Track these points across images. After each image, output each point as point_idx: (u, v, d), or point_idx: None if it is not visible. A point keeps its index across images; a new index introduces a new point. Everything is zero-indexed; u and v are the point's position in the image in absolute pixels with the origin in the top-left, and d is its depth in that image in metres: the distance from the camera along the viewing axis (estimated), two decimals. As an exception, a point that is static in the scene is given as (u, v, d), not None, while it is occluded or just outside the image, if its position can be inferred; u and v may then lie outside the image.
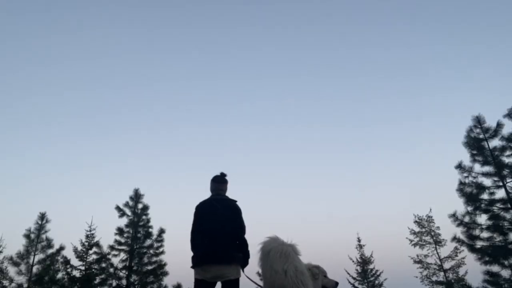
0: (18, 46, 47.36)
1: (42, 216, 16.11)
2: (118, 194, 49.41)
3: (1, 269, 14.61)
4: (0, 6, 42.85)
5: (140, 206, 17.17)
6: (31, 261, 14.90)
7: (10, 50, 46.61)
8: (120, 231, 16.37)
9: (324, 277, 3.84)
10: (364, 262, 19.53)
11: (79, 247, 15.43)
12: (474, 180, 13.44)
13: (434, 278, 17.95)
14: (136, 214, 16.91)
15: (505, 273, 12.31)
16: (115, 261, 15.80)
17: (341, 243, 36.16)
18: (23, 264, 14.73)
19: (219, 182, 4.07)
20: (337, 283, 3.91)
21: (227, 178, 4.14)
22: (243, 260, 3.71)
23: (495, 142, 13.46)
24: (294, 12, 55.76)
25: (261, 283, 3.57)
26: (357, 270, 19.54)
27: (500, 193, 12.94)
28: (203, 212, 3.87)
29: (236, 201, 3.97)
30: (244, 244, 3.78)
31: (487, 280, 12.53)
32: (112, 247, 16.00)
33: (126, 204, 17.06)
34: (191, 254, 3.74)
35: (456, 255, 17.83)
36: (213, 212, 3.78)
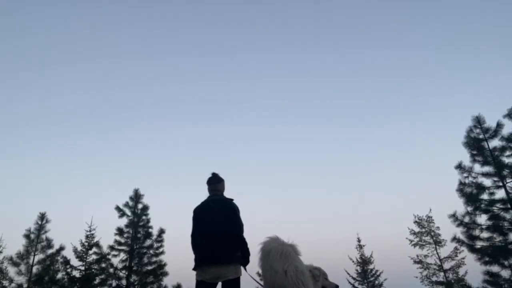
0: (18, 46, 47.38)
1: (42, 216, 16.10)
2: (118, 194, 49.43)
3: (1, 269, 14.59)
4: (1, 6, 42.86)
5: (140, 206, 17.17)
6: (31, 261, 14.89)
7: (10, 50, 46.62)
8: (120, 231, 16.36)
9: (324, 279, 3.82)
10: (364, 262, 19.52)
11: (79, 247, 15.41)
12: (474, 180, 13.45)
13: (434, 278, 17.97)
14: (136, 214, 16.90)
15: (505, 273, 12.32)
16: (115, 261, 15.80)
17: (341, 243, 36.17)
18: (23, 264, 14.72)
19: (212, 183, 4.10)
20: (337, 286, 3.90)
21: (220, 176, 4.15)
22: (243, 258, 3.70)
23: (495, 142, 13.48)
24: (295, 12, 55.76)
25: (262, 282, 3.57)
26: (357, 270, 19.55)
27: (500, 193, 12.98)
28: (200, 214, 3.90)
29: (232, 200, 3.97)
30: (243, 242, 3.76)
31: (487, 280, 12.53)
32: (112, 247, 15.99)
33: (126, 204, 17.06)
34: (193, 256, 3.79)
35: (456, 255, 17.84)
36: (210, 213, 3.82)
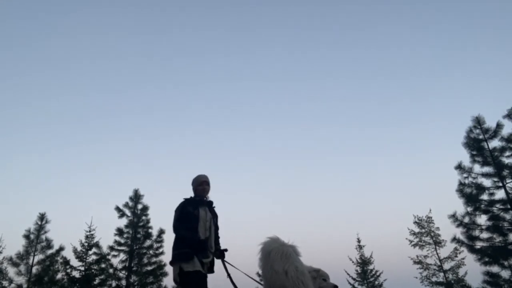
0: (18, 47, 47.41)
1: (42, 217, 16.10)
2: (118, 194, 49.43)
3: (0, 270, 14.58)
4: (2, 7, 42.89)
5: (140, 206, 17.20)
6: (30, 261, 14.89)
7: (10, 52, 46.65)
8: (119, 232, 16.38)
9: (323, 281, 3.79)
10: (364, 262, 19.51)
11: (79, 248, 15.44)
12: (474, 181, 13.47)
13: (434, 279, 17.96)
14: (136, 214, 16.91)
15: (504, 273, 12.34)
16: (115, 261, 15.84)
17: (341, 243, 36.18)
18: (22, 264, 14.72)
19: None
20: (335, 286, 3.88)
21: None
22: (175, 255, 3.78)
23: (495, 143, 13.51)
24: (295, 14, 55.83)
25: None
26: (357, 270, 19.53)
27: (500, 194, 13.00)
28: None
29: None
30: (175, 238, 3.92)
31: (487, 281, 12.54)
32: (111, 248, 16.01)
33: (126, 205, 17.08)
34: None
35: (456, 256, 17.84)
36: None
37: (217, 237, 4.13)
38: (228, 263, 3.91)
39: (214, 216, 4.17)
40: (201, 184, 4.18)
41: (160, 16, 53.71)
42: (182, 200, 4.09)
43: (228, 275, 3.78)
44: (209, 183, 4.24)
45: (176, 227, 3.92)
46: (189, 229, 3.83)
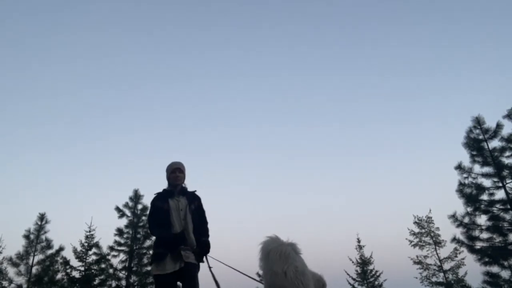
0: (17, 46, 47.42)
1: (42, 217, 16.11)
2: (117, 194, 49.42)
3: (0, 270, 14.59)
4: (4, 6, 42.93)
5: (139, 206, 17.20)
6: (30, 261, 14.90)
7: (9, 50, 46.68)
8: (119, 232, 16.39)
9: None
10: (364, 263, 19.50)
11: (79, 248, 15.46)
12: (474, 181, 13.47)
13: (433, 279, 17.97)
14: (136, 214, 16.92)
15: (504, 274, 12.35)
16: (115, 262, 15.83)
17: (341, 243, 36.17)
18: (22, 264, 14.74)
19: None
20: None
21: None
22: (151, 257, 3.86)
23: (495, 143, 13.50)
24: (294, 13, 55.85)
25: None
26: (356, 271, 19.51)
27: (500, 194, 12.99)
28: None
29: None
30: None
31: (486, 281, 12.55)
32: (111, 248, 16.02)
33: (126, 205, 17.09)
34: None
35: (456, 256, 17.84)
36: None
37: (201, 226, 3.75)
38: (215, 259, 3.68)
39: (192, 202, 3.76)
40: (173, 172, 3.87)
41: (157, 12, 53.74)
42: (154, 195, 3.82)
43: (210, 268, 3.58)
44: (182, 170, 3.90)
45: (149, 226, 3.75)
46: (163, 225, 3.54)
